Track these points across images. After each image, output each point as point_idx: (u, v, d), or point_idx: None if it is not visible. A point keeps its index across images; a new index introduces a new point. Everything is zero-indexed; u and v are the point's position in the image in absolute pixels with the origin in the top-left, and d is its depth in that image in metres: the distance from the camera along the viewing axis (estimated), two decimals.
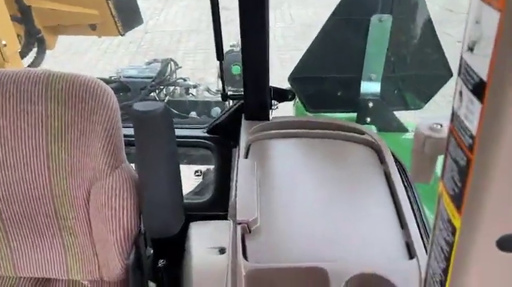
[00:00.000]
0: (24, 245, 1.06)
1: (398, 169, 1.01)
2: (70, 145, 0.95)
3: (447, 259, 0.42)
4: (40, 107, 0.94)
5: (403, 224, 0.84)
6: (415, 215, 0.86)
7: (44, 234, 1.05)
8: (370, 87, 1.29)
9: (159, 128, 0.89)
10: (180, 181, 0.97)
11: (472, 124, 0.33)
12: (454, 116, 0.37)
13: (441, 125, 0.44)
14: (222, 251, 1.25)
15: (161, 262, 1.35)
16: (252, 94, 1.19)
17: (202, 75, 4.20)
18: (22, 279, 1.10)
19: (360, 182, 0.99)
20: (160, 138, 0.91)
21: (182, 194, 0.99)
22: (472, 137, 0.33)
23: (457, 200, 0.38)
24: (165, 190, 0.93)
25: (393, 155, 1.05)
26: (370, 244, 0.81)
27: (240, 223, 0.83)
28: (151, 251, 1.01)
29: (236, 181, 0.94)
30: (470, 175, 0.35)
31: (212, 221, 1.32)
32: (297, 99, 1.47)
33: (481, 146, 0.33)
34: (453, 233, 0.40)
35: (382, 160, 1.04)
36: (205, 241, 1.29)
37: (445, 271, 0.43)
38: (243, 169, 0.97)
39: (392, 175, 0.97)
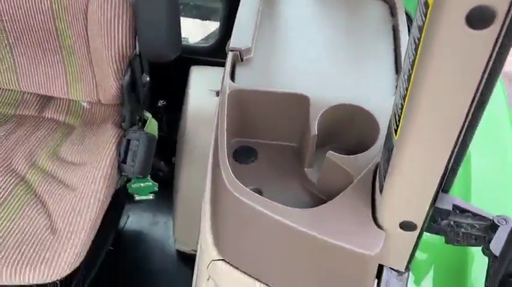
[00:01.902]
0: (28, 60, 1.08)
1: (408, 25, 0.97)
2: None
3: (413, 61, 0.41)
4: None
5: (398, 71, 0.83)
6: None
7: (46, 50, 1.06)
8: None
9: None
10: (178, 9, 0.95)
11: None
12: None
13: None
14: (219, 94, 1.27)
15: (161, 102, 1.39)
16: None
17: None
18: (26, 94, 1.15)
19: (366, 32, 0.96)
20: None
21: (179, 23, 0.97)
22: None
23: None
24: (162, 14, 0.90)
25: (406, 13, 1.00)
26: (360, 84, 0.80)
27: (232, 51, 0.83)
28: (148, 79, 1.02)
29: None
30: None
31: (213, 67, 1.32)
32: None
33: None
34: (424, 17, 0.38)
35: (393, 14, 0.99)
36: (204, 84, 1.31)
37: (412, 66, 0.42)
38: (245, 2, 0.94)
39: (400, 28, 0.93)
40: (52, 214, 0.85)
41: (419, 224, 0.58)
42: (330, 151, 0.67)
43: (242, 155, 0.80)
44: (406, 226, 0.59)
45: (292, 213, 0.63)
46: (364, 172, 0.64)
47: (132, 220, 1.44)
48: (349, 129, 0.74)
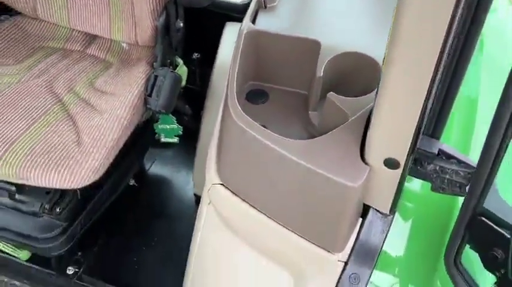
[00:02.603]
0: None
1: None
2: None
3: None
4: None
5: None
6: None
7: None
8: None
9: None
10: None
11: None
12: None
13: None
14: None
15: (196, 55, 1.44)
16: None
17: None
18: (74, 31, 1.23)
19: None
20: None
21: None
22: None
23: None
24: None
25: None
26: (377, 38, 0.81)
27: None
28: (181, 24, 1.07)
29: None
30: None
31: None
32: None
33: None
34: None
35: None
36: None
37: None
38: None
39: None
40: (80, 131, 0.93)
41: (402, 162, 0.60)
42: (331, 92, 0.70)
43: (254, 96, 0.84)
44: (390, 163, 0.60)
45: (286, 143, 0.66)
46: (360, 113, 0.66)
47: (158, 164, 1.51)
48: (356, 78, 0.76)
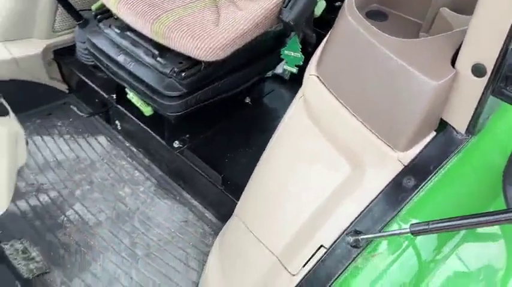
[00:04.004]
0: None
1: None
2: None
3: None
4: None
5: None
6: None
7: None
8: None
9: None
10: None
11: None
12: None
13: None
14: None
15: (338, 3, 1.49)
16: None
17: None
18: None
19: None
20: None
21: None
22: None
23: None
24: None
25: None
26: None
27: None
28: None
29: None
30: None
31: None
32: None
33: None
34: None
35: None
36: None
37: None
38: None
39: None
40: (220, 17, 1.08)
41: (489, 69, 0.59)
42: (444, 7, 0.71)
43: (373, 14, 0.88)
44: (477, 69, 0.61)
45: (384, 39, 0.70)
46: (463, 28, 0.66)
47: (274, 95, 1.63)
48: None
